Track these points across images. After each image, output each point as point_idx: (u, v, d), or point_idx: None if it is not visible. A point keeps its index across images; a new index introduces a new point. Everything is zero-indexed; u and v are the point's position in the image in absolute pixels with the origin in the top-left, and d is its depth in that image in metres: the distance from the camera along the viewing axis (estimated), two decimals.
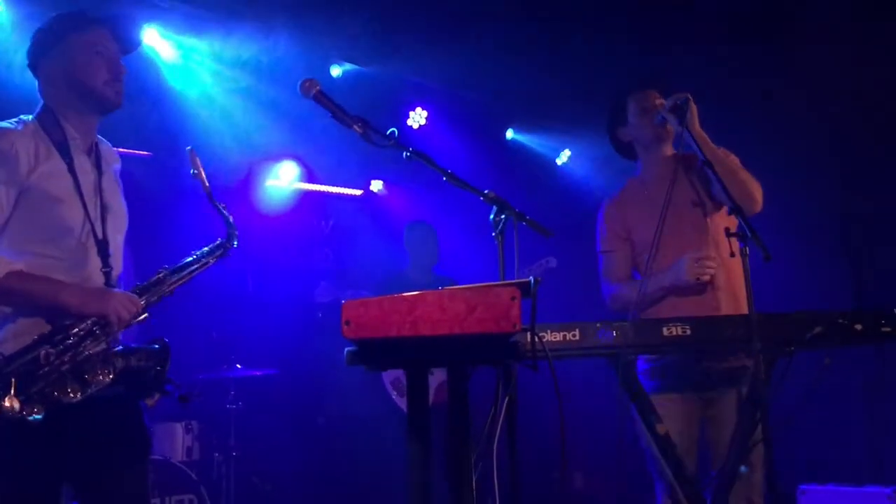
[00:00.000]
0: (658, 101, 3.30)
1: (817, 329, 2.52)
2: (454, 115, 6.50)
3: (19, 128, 2.50)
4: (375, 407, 5.38)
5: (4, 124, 2.51)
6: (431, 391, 4.51)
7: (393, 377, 5.32)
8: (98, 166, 2.64)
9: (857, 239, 5.83)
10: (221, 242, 2.71)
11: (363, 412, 5.59)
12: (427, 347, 1.97)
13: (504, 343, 1.99)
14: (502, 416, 2.25)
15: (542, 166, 7.21)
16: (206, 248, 2.69)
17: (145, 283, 2.58)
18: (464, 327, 1.87)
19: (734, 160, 3.28)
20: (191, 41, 5.19)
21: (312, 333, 5.77)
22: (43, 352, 2.29)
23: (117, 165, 2.79)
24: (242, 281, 5.61)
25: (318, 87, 2.57)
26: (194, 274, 2.66)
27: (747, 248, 2.64)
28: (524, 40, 5.42)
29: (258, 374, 5.22)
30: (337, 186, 6.93)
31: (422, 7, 5.04)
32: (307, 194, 6.58)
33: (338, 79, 5.84)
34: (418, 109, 6.42)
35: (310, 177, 6.59)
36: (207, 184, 2.68)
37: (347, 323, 1.89)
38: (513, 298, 1.88)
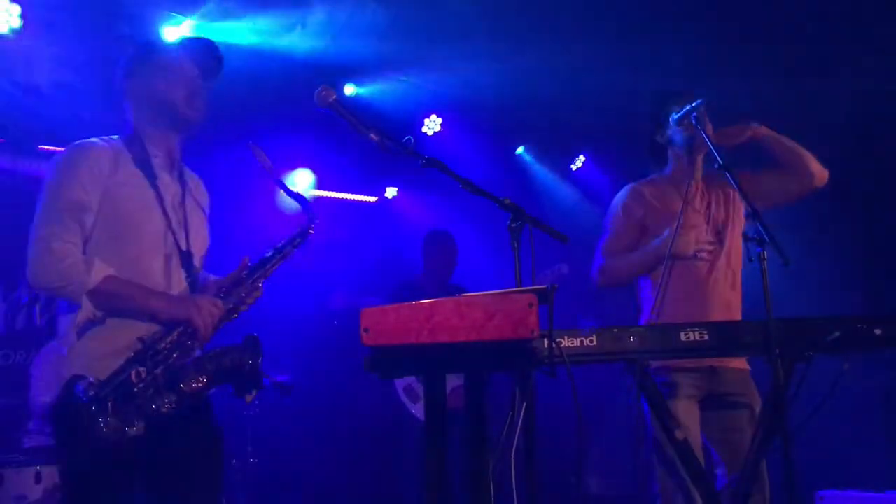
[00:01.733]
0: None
1: (836, 334, 2.51)
2: (469, 122, 6.51)
3: (101, 142, 2.62)
4: (388, 414, 5.39)
5: (87, 140, 2.62)
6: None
7: (405, 384, 5.32)
8: (182, 184, 2.73)
9: (873, 243, 5.79)
10: (301, 229, 2.76)
11: (376, 419, 5.60)
12: (445, 354, 1.97)
13: (522, 349, 2.00)
14: (520, 422, 2.25)
15: (557, 172, 7.22)
16: (285, 240, 2.74)
17: (225, 280, 2.65)
18: (482, 334, 1.88)
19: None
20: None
21: (329, 340, 5.79)
22: (134, 371, 2.37)
23: (206, 200, 2.88)
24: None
25: (334, 96, 2.58)
26: (276, 266, 2.72)
27: (765, 253, 2.63)
28: (540, 45, 5.41)
29: (276, 380, 5.23)
30: (351, 193, 6.97)
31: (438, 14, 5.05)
32: (322, 201, 6.61)
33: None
34: (433, 116, 6.44)
35: (325, 184, 6.62)
36: (277, 174, 2.79)
37: (366, 330, 1.90)
38: (530, 305, 1.88)
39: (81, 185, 2.50)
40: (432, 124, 6.45)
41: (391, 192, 7.22)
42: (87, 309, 2.43)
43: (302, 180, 6.45)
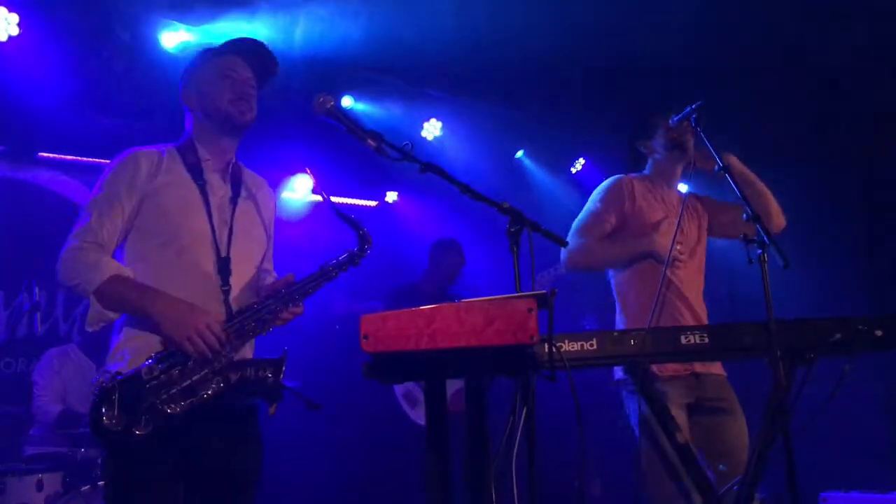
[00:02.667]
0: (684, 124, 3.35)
1: (837, 335, 2.51)
2: (468, 127, 6.51)
3: (147, 148, 2.65)
4: (388, 419, 5.38)
5: (135, 147, 2.65)
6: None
7: (405, 390, 5.32)
8: (234, 187, 2.73)
9: (875, 244, 5.78)
10: (353, 253, 2.76)
11: (376, 424, 5.60)
12: (445, 360, 1.97)
13: (522, 354, 2.00)
14: (521, 426, 2.24)
15: (556, 175, 7.22)
16: (334, 260, 2.74)
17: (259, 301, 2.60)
18: (481, 339, 1.88)
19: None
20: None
21: (329, 345, 5.78)
22: (145, 367, 2.36)
23: (269, 201, 2.88)
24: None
25: (331, 103, 2.59)
26: (319, 286, 2.71)
27: (765, 255, 2.63)
28: (540, 51, 5.42)
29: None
30: (352, 198, 6.97)
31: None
32: (322, 206, 6.61)
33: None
34: (433, 120, 6.44)
35: (325, 189, 6.61)
36: (330, 198, 2.79)
37: (366, 337, 1.90)
38: (530, 310, 1.88)
39: (116, 190, 2.54)
40: (432, 129, 6.45)
41: (392, 196, 7.22)
42: (95, 308, 2.44)
43: (302, 186, 6.45)
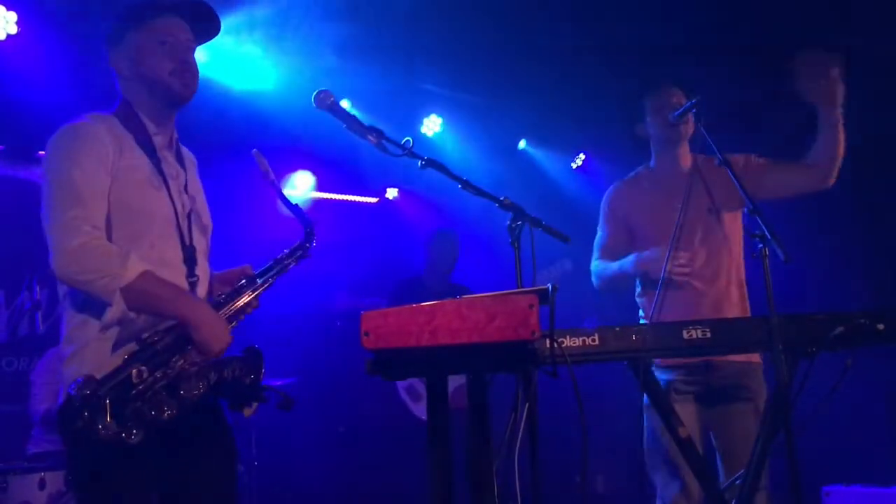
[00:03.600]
0: (675, 99, 3.34)
1: (839, 329, 2.50)
2: (468, 122, 6.50)
3: (95, 122, 2.35)
4: (390, 414, 5.39)
5: (79, 120, 2.35)
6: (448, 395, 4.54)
7: (407, 384, 5.32)
8: (181, 164, 2.51)
9: (877, 237, 5.78)
10: (300, 243, 2.56)
11: (378, 419, 5.60)
12: (447, 356, 1.97)
13: (523, 350, 1.99)
14: (523, 422, 2.25)
15: (557, 170, 7.21)
16: (285, 252, 2.54)
17: (225, 294, 2.43)
18: (483, 335, 1.87)
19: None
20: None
21: (330, 341, 5.78)
22: (135, 370, 2.15)
23: (196, 171, 2.63)
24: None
25: (332, 99, 2.59)
26: (274, 279, 2.51)
27: (766, 250, 2.62)
28: (537, 43, 5.41)
29: (278, 383, 5.23)
30: (352, 195, 6.96)
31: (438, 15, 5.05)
32: (323, 203, 6.61)
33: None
34: (433, 116, 6.43)
35: (325, 185, 6.61)
36: (278, 184, 2.58)
37: (367, 334, 1.89)
38: (531, 306, 1.88)
39: (94, 165, 2.25)
40: (432, 124, 6.44)
41: (392, 193, 7.21)
42: (118, 307, 2.17)
43: (302, 183, 6.45)
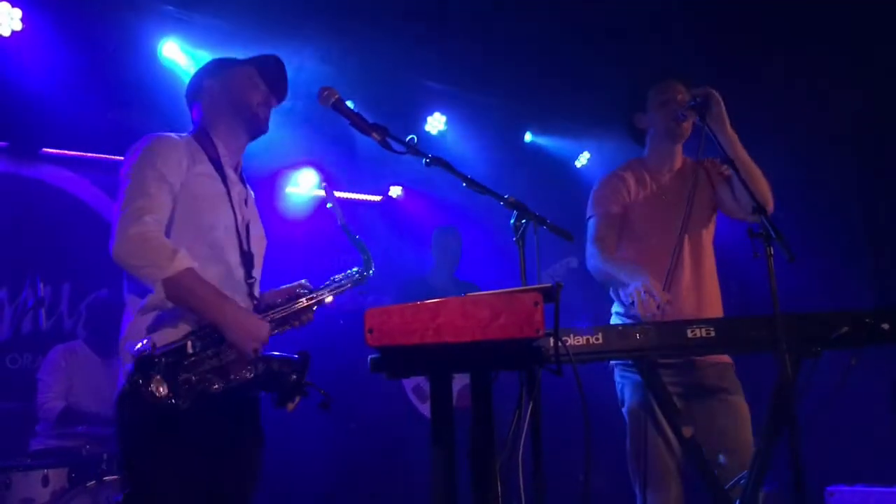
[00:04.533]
0: (680, 96, 3.31)
1: (844, 329, 2.50)
2: (473, 120, 6.49)
3: (175, 136, 2.67)
4: (397, 413, 5.38)
5: (163, 133, 2.66)
6: (454, 396, 4.54)
7: (414, 384, 5.31)
8: (244, 184, 2.82)
9: (882, 236, 5.77)
10: (359, 272, 2.90)
11: (385, 419, 5.60)
12: (451, 354, 1.97)
13: (528, 348, 1.99)
14: (527, 420, 2.24)
15: (561, 169, 7.19)
16: (340, 276, 2.89)
17: (283, 299, 2.75)
18: (487, 333, 1.87)
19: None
20: (207, 54, 5.23)
21: (335, 340, 5.77)
22: (190, 341, 2.40)
23: (253, 199, 2.92)
24: (264, 288, 5.64)
25: (336, 96, 2.58)
26: (331, 295, 2.84)
27: (771, 249, 2.61)
28: (541, 41, 5.40)
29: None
30: (356, 193, 6.96)
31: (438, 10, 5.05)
32: (327, 201, 6.59)
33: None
34: (436, 115, 6.42)
35: (329, 183, 6.60)
36: (344, 219, 2.93)
37: (371, 331, 1.89)
38: (536, 304, 1.87)
39: (166, 168, 2.53)
40: (436, 123, 6.43)
41: (396, 191, 7.21)
42: (158, 295, 2.40)
43: (306, 180, 6.44)
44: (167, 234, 2.50)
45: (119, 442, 2.49)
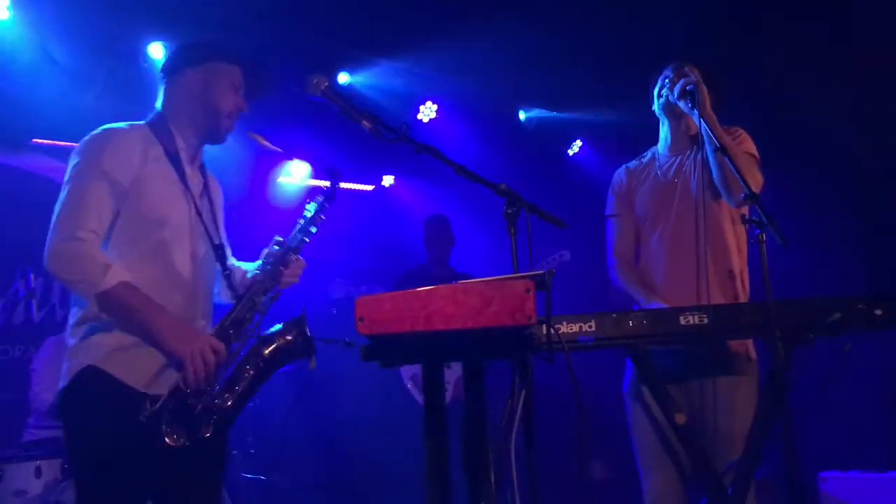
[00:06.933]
0: (677, 77, 3.19)
1: (837, 315, 2.49)
2: (464, 108, 6.47)
3: (128, 129, 2.59)
4: (394, 402, 5.38)
5: (114, 125, 2.58)
6: (450, 387, 4.54)
7: (411, 373, 5.31)
8: (205, 180, 2.75)
9: (874, 223, 5.78)
10: (327, 192, 2.89)
11: (382, 408, 5.60)
12: (442, 342, 1.96)
13: (520, 336, 1.98)
14: (519, 408, 2.23)
15: (553, 157, 7.17)
16: (309, 211, 2.84)
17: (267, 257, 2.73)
18: (479, 321, 1.86)
19: (746, 146, 3.20)
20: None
21: (329, 330, 5.76)
22: (180, 380, 2.42)
23: (221, 200, 2.89)
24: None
25: (325, 84, 2.56)
26: (307, 241, 2.81)
27: (764, 235, 2.59)
28: (534, 28, 5.37)
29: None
30: (348, 182, 6.94)
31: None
32: (318, 191, 6.58)
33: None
34: (428, 103, 6.40)
35: (321, 174, 6.58)
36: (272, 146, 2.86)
37: (361, 319, 1.88)
38: (527, 291, 1.86)
39: (112, 166, 2.47)
40: (428, 111, 6.41)
41: (388, 180, 7.19)
42: (92, 309, 2.40)
43: (298, 171, 6.42)
44: (110, 232, 2.47)
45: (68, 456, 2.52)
